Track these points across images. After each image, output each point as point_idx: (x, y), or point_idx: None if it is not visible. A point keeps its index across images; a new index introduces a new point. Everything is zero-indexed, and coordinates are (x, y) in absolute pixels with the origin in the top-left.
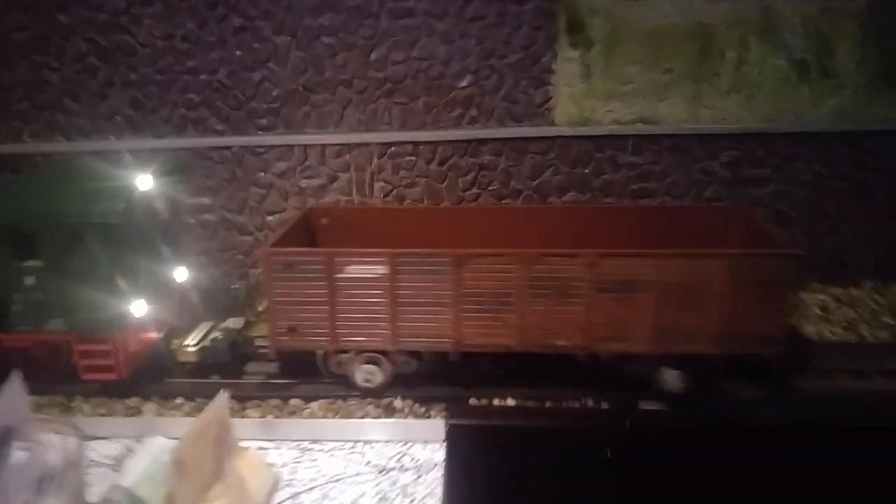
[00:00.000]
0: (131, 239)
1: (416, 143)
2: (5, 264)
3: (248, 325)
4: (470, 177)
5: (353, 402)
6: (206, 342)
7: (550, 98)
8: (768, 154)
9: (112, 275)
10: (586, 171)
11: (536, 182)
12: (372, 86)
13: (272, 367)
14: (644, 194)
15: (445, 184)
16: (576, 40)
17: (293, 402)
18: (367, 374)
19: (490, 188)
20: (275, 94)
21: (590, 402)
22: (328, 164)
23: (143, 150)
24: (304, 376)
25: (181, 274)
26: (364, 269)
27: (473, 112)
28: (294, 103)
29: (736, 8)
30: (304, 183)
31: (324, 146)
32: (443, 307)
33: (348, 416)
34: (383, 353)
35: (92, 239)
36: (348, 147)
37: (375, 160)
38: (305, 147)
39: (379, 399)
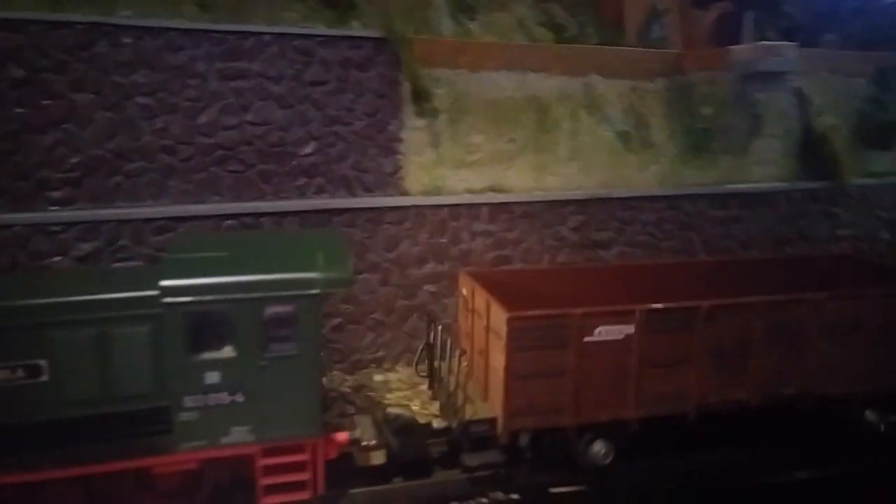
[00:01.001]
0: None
1: (256, 215)
2: (179, 358)
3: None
4: None
5: None
6: (386, 436)
7: (401, 167)
8: (609, 217)
9: (315, 361)
10: (443, 240)
11: (395, 253)
12: (200, 152)
13: (494, 456)
14: (502, 262)
15: None
16: (422, 109)
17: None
18: (602, 449)
19: None
20: (74, 161)
21: None
22: (148, 242)
23: None
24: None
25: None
26: (606, 331)
27: (320, 181)
28: (100, 172)
29: (563, 84)
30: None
31: (145, 221)
32: (688, 364)
33: None
34: (621, 422)
35: (306, 315)
36: (173, 222)
37: None
38: (118, 223)
39: None
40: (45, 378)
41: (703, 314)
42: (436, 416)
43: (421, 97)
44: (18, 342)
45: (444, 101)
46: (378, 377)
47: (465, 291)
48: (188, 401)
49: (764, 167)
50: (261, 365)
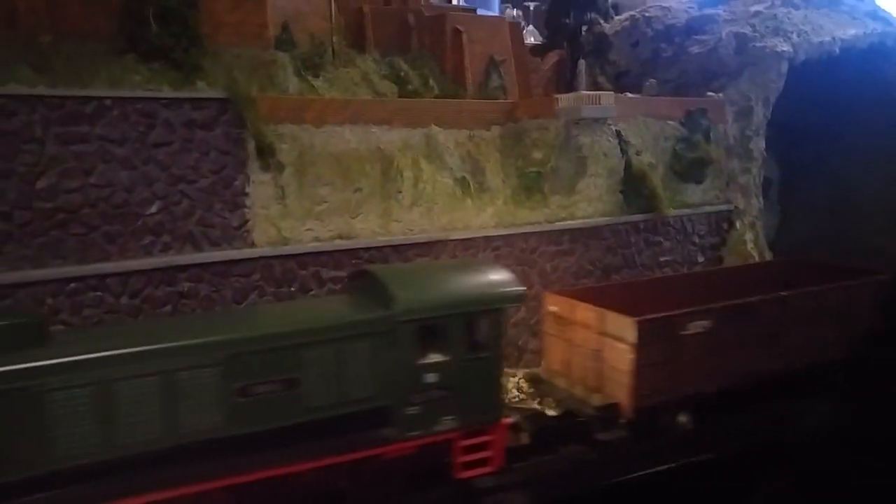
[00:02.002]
0: None
1: (100, 277)
2: (406, 363)
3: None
4: (168, 308)
5: None
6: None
7: (247, 220)
8: (452, 257)
9: (499, 361)
10: (292, 289)
11: (243, 305)
12: (39, 217)
13: (619, 432)
14: None
15: (140, 318)
16: (266, 164)
17: None
18: (686, 418)
19: None
20: None
21: None
22: None
23: None
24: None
25: None
26: (694, 326)
27: (166, 238)
28: None
29: (405, 135)
30: None
31: None
32: (743, 346)
33: None
34: (699, 395)
35: (494, 324)
36: (10, 289)
37: (50, 300)
38: None
39: None
40: (299, 389)
41: (753, 307)
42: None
43: (265, 152)
44: (281, 361)
45: (289, 156)
46: None
47: (554, 308)
48: (413, 398)
49: (591, 204)
50: (463, 365)
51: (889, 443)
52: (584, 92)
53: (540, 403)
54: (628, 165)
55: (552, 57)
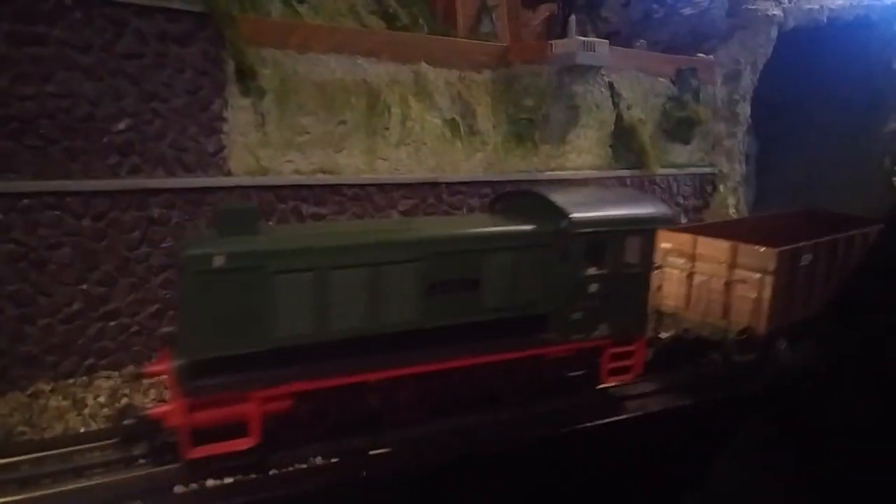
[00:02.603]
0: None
1: (60, 194)
2: (573, 274)
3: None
4: (137, 234)
5: None
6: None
7: (224, 147)
8: (438, 201)
9: (648, 278)
10: (270, 222)
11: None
12: None
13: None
14: None
15: (105, 243)
16: (247, 88)
17: None
18: (785, 344)
19: (162, 245)
20: None
21: (318, 460)
22: None
23: None
24: None
25: None
26: (804, 258)
27: (135, 160)
28: None
29: (393, 70)
30: None
31: None
32: (823, 280)
33: None
34: (795, 324)
35: (646, 243)
36: None
37: (0, 216)
38: None
39: None
40: (479, 290)
41: (836, 244)
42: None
43: (246, 76)
44: (467, 263)
45: (270, 82)
46: None
47: (667, 245)
48: (577, 305)
49: (580, 155)
50: (619, 279)
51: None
52: (580, 38)
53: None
54: (619, 119)
55: (543, 10)
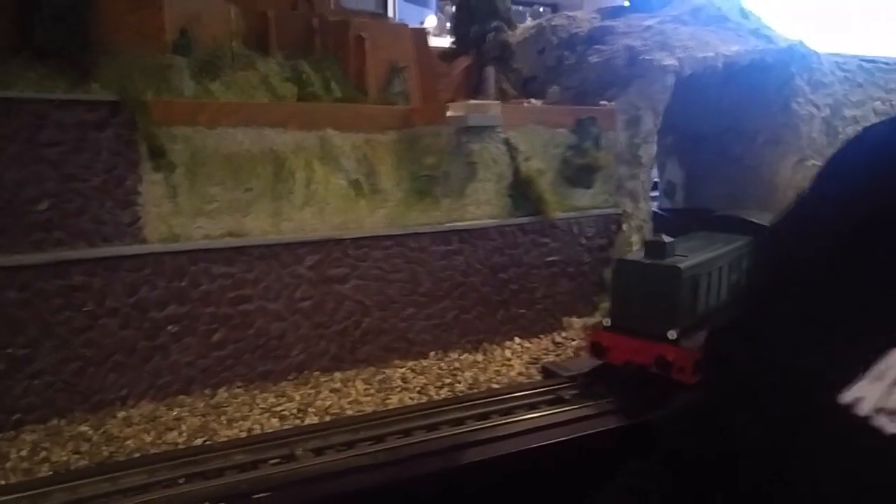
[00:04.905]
0: None
1: None
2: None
3: None
4: (59, 300)
5: None
6: None
7: (139, 218)
8: (344, 255)
9: None
10: (182, 283)
11: (134, 299)
12: None
13: None
14: (241, 301)
15: (29, 310)
16: (158, 164)
17: None
18: None
19: (84, 309)
20: None
21: None
22: None
23: None
24: None
25: None
26: None
27: (58, 234)
28: None
29: (299, 137)
30: None
31: None
32: None
33: None
34: None
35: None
36: None
37: None
38: None
39: None
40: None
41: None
42: None
43: (157, 154)
44: (736, 266)
45: (180, 156)
46: None
47: None
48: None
49: (479, 207)
50: None
51: None
52: (471, 101)
53: None
54: (517, 171)
55: (460, 62)
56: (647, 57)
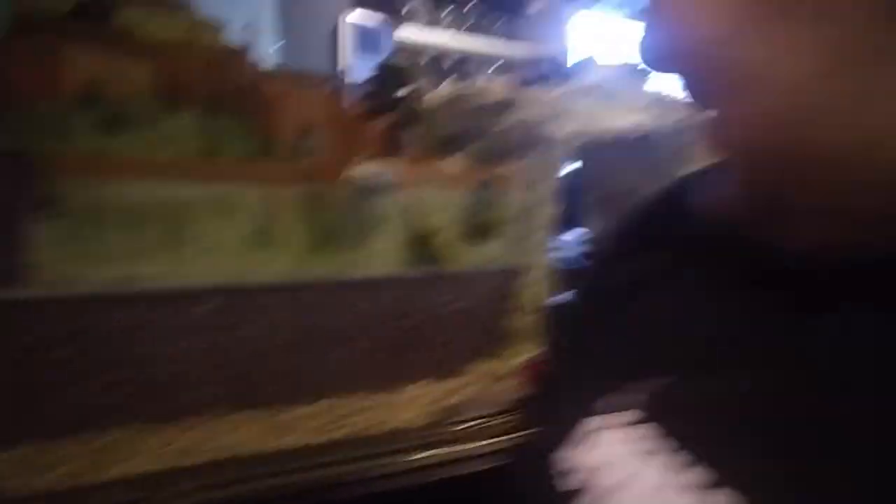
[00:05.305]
0: None
1: None
2: None
3: None
4: None
5: None
6: None
7: (33, 263)
8: (242, 302)
9: None
10: (75, 326)
11: (24, 341)
12: None
13: None
14: (135, 344)
15: None
16: (55, 213)
17: None
18: None
19: None
20: None
21: None
22: None
23: None
24: None
25: None
26: None
27: None
28: None
29: (200, 190)
30: None
31: None
32: None
33: None
34: None
35: None
36: None
37: None
38: None
39: None
40: None
41: None
42: None
43: (54, 203)
44: None
45: (78, 205)
46: None
47: None
48: None
49: (379, 258)
50: None
51: None
52: (370, 162)
53: None
54: (415, 227)
55: (384, 120)
56: (536, 130)
